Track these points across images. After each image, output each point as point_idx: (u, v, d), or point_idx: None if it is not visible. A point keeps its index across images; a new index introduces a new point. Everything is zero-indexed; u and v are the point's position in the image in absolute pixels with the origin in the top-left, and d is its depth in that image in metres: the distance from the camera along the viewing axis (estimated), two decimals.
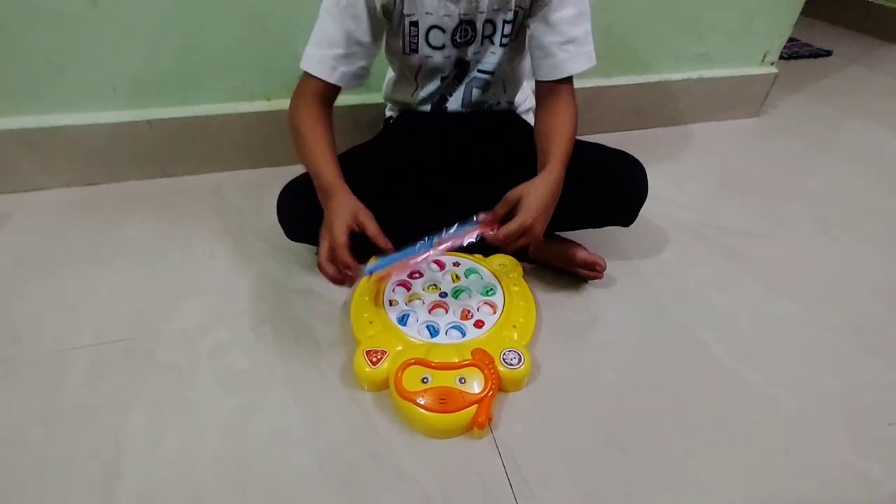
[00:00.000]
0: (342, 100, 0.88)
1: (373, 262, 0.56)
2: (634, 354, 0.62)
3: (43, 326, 0.62)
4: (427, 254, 0.55)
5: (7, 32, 0.72)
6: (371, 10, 0.58)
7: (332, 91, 0.62)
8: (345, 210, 0.54)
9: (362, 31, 0.59)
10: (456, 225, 0.57)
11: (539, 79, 0.65)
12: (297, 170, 0.73)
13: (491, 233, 0.54)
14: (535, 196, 0.54)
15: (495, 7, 0.62)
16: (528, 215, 0.52)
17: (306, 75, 0.61)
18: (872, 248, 0.82)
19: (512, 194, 0.54)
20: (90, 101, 0.81)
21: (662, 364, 0.61)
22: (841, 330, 0.66)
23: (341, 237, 0.52)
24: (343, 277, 0.53)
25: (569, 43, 0.61)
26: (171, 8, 0.76)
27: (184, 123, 0.85)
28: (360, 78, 0.63)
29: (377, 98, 0.86)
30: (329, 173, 0.57)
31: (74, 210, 0.82)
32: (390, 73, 0.75)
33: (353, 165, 0.70)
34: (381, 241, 0.53)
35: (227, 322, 0.63)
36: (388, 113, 0.81)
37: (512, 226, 0.52)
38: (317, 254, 0.55)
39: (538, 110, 0.67)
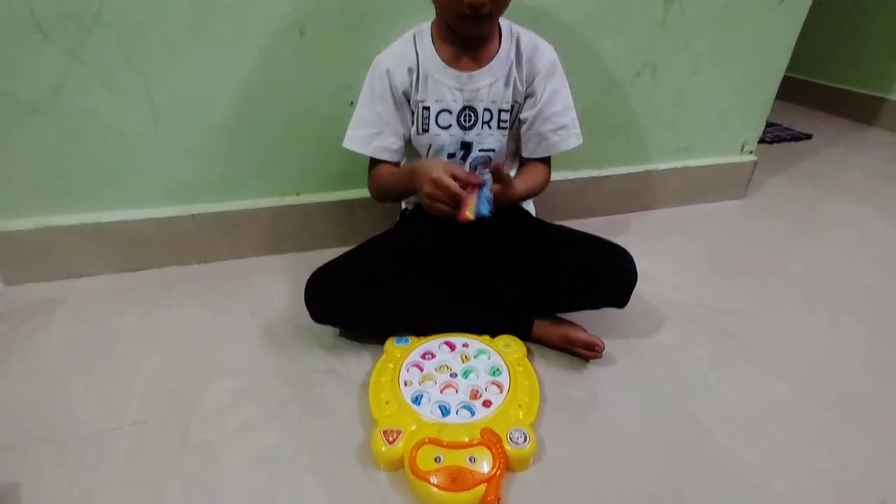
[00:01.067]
0: (361, 193, 1.00)
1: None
2: (634, 434, 0.66)
3: (89, 408, 0.68)
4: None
5: (78, 147, 0.85)
6: (395, 95, 0.75)
7: (379, 161, 0.79)
8: (437, 163, 0.66)
9: (389, 113, 0.75)
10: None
11: (532, 157, 0.81)
12: (320, 255, 0.81)
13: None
14: (509, 191, 0.69)
15: (493, 99, 0.76)
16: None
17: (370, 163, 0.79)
18: (856, 324, 0.86)
19: (504, 179, 0.67)
20: (143, 200, 0.92)
21: (661, 444, 0.64)
22: (830, 406, 0.70)
23: (446, 170, 0.64)
24: (454, 194, 0.63)
25: (561, 129, 0.78)
26: (219, 123, 0.89)
27: (222, 217, 0.96)
28: (394, 152, 0.78)
29: None
30: (405, 168, 0.74)
31: (120, 295, 0.90)
32: (406, 163, 0.86)
33: (373, 254, 0.79)
34: (473, 178, 0.65)
35: (255, 401, 0.69)
36: (404, 205, 0.91)
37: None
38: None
39: (522, 167, 0.83)
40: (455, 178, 0.64)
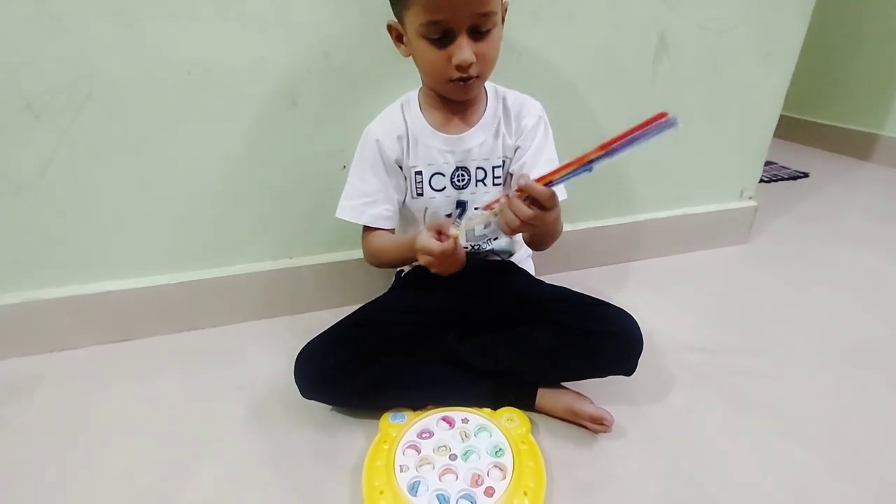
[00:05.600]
0: (354, 254, 0.98)
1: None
2: None
3: (63, 501, 0.63)
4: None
5: (66, 221, 0.83)
6: (386, 162, 0.74)
7: (373, 229, 0.76)
8: (422, 238, 0.60)
9: (382, 181, 0.74)
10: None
11: None
12: (313, 318, 0.78)
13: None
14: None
15: (485, 157, 0.75)
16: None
17: (363, 229, 0.77)
18: (879, 383, 0.82)
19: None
20: (130, 270, 0.90)
21: None
22: (861, 483, 0.65)
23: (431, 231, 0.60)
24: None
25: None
26: (211, 191, 0.88)
27: (212, 283, 0.94)
28: (388, 219, 0.76)
29: None
30: (406, 239, 0.70)
31: (104, 369, 0.87)
32: (401, 225, 0.84)
33: (364, 326, 0.76)
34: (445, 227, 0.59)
35: (240, 492, 0.64)
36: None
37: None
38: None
39: None
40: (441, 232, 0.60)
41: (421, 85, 0.74)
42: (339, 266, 0.99)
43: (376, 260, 0.79)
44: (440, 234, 0.59)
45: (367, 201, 0.75)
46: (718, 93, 1.08)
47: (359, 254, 0.98)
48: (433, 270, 0.62)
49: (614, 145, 0.48)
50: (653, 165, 1.12)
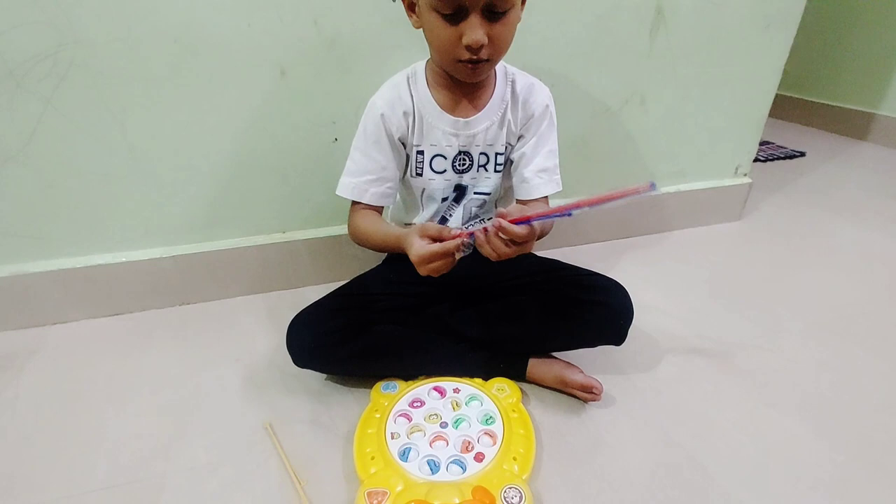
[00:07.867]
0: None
1: None
2: (637, 487, 0.61)
3: (56, 471, 0.63)
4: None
5: (56, 190, 0.82)
6: (391, 139, 0.71)
7: (370, 206, 0.73)
8: (415, 240, 0.58)
9: (387, 158, 0.71)
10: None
11: (518, 198, 0.77)
12: (308, 292, 0.78)
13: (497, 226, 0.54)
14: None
15: (489, 143, 0.73)
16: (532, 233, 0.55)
17: (353, 203, 0.74)
18: (870, 355, 0.83)
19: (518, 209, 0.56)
20: (121, 243, 0.89)
21: (666, 497, 0.60)
22: (845, 449, 0.66)
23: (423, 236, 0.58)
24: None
25: (543, 172, 0.74)
26: (202, 165, 0.87)
27: (204, 257, 0.93)
28: (389, 197, 0.74)
29: None
30: (393, 233, 0.67)
31: (97, 342, 0.87)
32: (396, 199, 0.83)
33: (356, 295, 0.76)
34: (445, 233, 0.57)
35: (233, 458, 0.65)
36: None
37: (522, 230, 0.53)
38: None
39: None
40: (434, 237, 0.58)
41: (428, 58, 0.71)
42: (333, 241, 0.99)
43: (360, 241, 0.75)
44: (435, 239, 0.57)
45: (370, 179, 0.71)
46: (716, 65, 1.07)
47: None
48: (422, 272, 0.58)
49: (597, 202, 0.50)
50: (648, 142, 1.11)
